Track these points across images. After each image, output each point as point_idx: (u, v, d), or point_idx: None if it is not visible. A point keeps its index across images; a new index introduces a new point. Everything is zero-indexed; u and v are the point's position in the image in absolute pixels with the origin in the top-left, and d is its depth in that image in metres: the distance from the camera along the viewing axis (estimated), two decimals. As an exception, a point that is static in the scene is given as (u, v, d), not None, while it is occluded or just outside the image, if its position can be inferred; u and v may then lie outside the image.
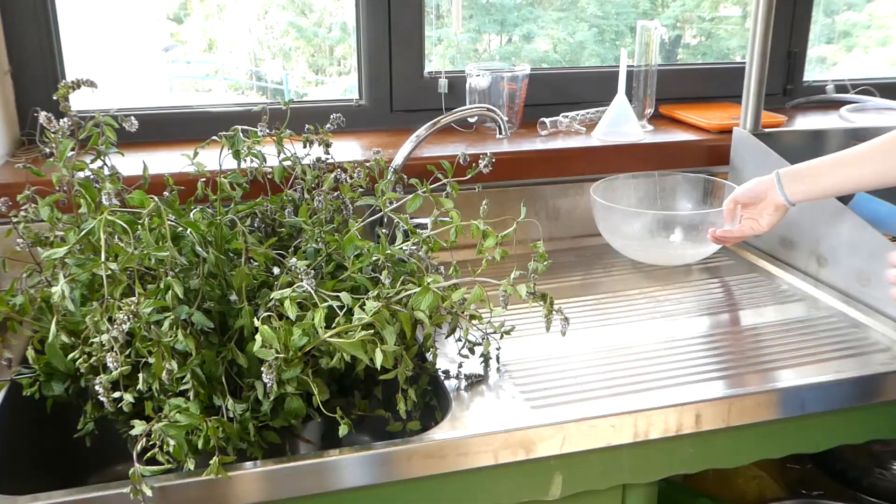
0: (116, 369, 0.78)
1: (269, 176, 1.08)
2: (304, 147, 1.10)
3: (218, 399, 0.83)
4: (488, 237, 0.94)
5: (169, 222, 0.84)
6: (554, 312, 0.90)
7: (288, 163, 1.09)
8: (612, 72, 1.55)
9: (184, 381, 0.81)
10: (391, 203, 1.03)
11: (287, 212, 1.06)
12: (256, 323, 0.83)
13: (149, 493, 0.76)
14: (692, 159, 1.52)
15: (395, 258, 1.02)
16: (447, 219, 0.99)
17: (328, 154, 1.12)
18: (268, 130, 1.05)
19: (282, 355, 0.81)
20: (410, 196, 1.00)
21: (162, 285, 0.83)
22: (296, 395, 0.84)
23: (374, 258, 0.94)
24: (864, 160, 1.10)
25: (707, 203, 1.43)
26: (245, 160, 1.06)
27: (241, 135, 1.03)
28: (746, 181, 1.22)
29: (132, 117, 0.92)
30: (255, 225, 1.05)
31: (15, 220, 0.95)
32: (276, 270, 0.90)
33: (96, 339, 0.80)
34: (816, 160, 1.16)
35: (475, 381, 0.98)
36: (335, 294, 0.85)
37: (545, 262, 0.92)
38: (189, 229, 0.88)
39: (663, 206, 1.46)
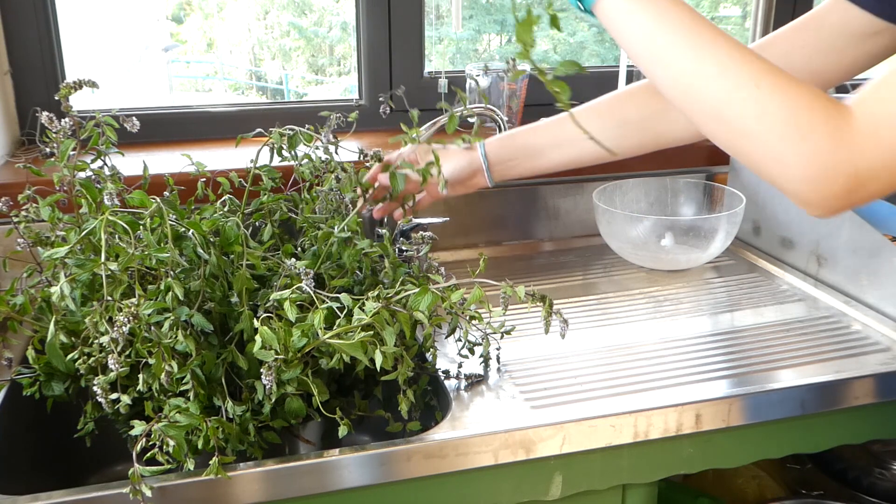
0: (115, 371, 0.78)
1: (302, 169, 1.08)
2: (362, 158, 1.10)
3: (218, 400, 0.83)
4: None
5: (170, 223, 0.84)
6: (553, 314, 0.90)
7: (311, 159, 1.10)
8: (612, 72, 1.55)
9: (184, 381, 0.81)
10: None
11: (300, 207, 1.07)
12: (256, 324, 0.83)
13: (148, 493, 0.76)
14: (692, 159, 1.52)
15: (397, 259, 1.02)
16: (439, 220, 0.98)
17: (332, 154, 1.12)
18: (332, 137, 1.05)
19: (281, 356, 0.81)
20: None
21: (163, 286, 0.83)
22: (296, 396, 0.84)
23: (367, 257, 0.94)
24: (577, 141, 1.01)
25: (707, 207, 1.44)
26: (286, 159, 1.06)
27: (299, 136, 1.03)
28: (749, 180, 1.21)
29: (133, 117, 0.92)
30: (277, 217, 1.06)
31: (16, 219, 0.95)
32: (289, 262, 0.89)
33: (96, 340, 0.80)
34: (525, 135, 1.08)
35: (475, 381, 0.98)
36: (335, 295, 0.85)
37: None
38: (191, 230, 0.88)
39: (666, 210, 1.46)
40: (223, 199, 1.04)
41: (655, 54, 0.73)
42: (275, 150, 1.03)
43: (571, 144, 1.06)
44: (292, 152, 1.03)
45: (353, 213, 0.96)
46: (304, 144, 1.03)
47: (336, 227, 0.95)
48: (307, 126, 1.11)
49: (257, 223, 1.07)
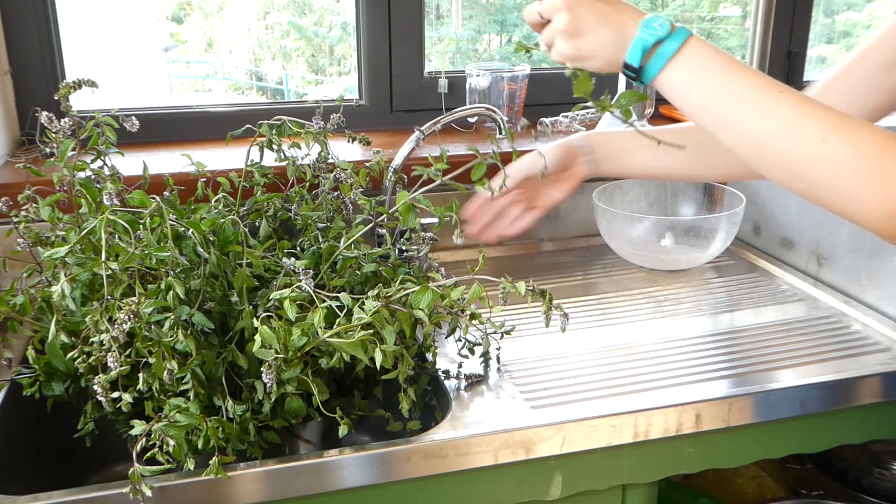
0: (116, 369, 0.78)
1: (303, 168, 1.09)
2: (350, 142, 1.11)
3: (218, 399, 0.83)
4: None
5: (170, 222, 0.84)
6: (553, 309, 0.90)
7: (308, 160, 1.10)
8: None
9: (184, 381, 0.81)
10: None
11: (295, 208, 1.07)
12: (256, 323, 0.83)
13: (148, 493, 0.76)
14: (692, 159, 1.52)
15: (397, 259, 1.02)
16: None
17: (329, 154, 1.12)
18: (322, 124, 1.04)
19: (281, 355, 0.81)
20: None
21: (163, 285, 0.83)
22: (296, 396, 0.84)
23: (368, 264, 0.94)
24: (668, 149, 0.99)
25: (707, 207, 1.44)
26: (274, 152, 1.06)
27: (287, 124, 1.03)
28: (743, 182, 1.19)
29: (133, 117, 0.92)
30: (272, 213, 1.06)
31: (16, 220, 0.95)
32: (285, 261, 0.90)
33: (96, 339, 0.80)
34: (619, 133, 1.07)
35: (475, 381, 0.98)
36: (335, 294, 0.85)
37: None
38: (191, 229, 0.88)
39: (666, 210, 1.46)
40: (217, 197, 1.04)
41: (719, 120, 0.74)
42: (264, 147, 1.03)
43: (662, 151, 1.05)
44: (279, 143, 1.03)
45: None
46: (293, 137, 1.03)
47: (342, 242, 0.95)
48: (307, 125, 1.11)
49: (256, 223, 1.07)
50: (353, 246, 0.95)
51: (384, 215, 1.00)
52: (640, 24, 0.75)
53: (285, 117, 1.04)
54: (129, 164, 1.06)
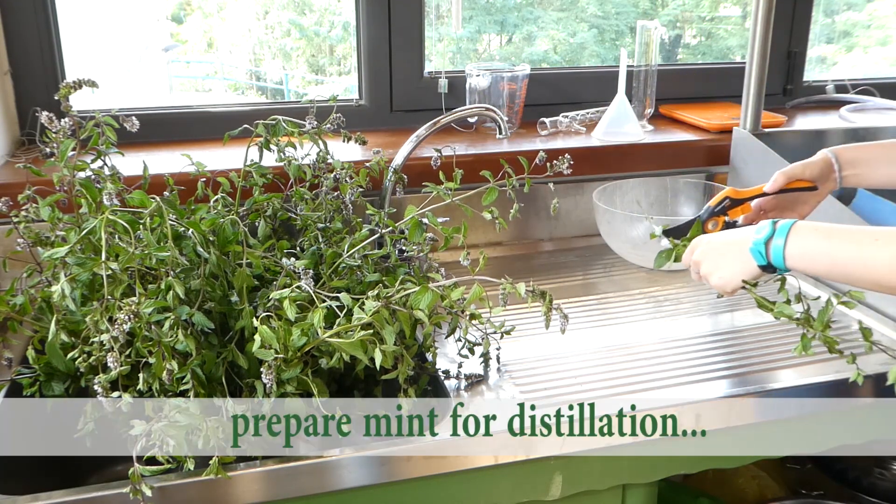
0: (116, 369, 0.78)
1: (302, 168, 1.09)
2: (345, 142, 1.10)
3: (218, 399, 0.83)
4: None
5: (170, 222, 0.84)
6: (553, 310, 0.90)
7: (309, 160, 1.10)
8: (612, 72, 1.55)
9: (184, 381, 0.81)
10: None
11: (299, 209, 1.07)
12: (256, 323, 0.83)
13: (148, 493, 0.76)
14: (692, 159, 1.52)
15: (397, 259, 1.02)
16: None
17: (329, 154, 1.12)
18: (316, 123, 1.05)
19: (281, 355, 0.81)
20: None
21: (163, 285, 0.83)
22: (296, 395, 0.84)
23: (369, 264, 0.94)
24: None
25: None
26: (272, 152, 1.06)
27: (282, 123, 1.03)
28: (748, 180, 1.20)
29: (133, 117, 0.92)
30: (271, 213, 1.06)
31: (16, 220, 0.95)
32: (285, 261, 0.90)
33: (96, 339, 0.80)
34: (870, 146, 1.11)
35: (475, 381, 0.98)
36: (335, 294, 0.85)
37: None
38: (191, 229, 0.88)
39: (666, 210, 1.46)
40: (216, 198, 1.04)
41: (839, 270, 0.85)
42: (262, 147, 1.03)
43: None
44: (278, 144, 1.03)
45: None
46: (290, 137, 1.03)
47: (346, 248, 0.95)
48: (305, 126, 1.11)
49: (255, 223, 1.07)
50: (355, 254, 0.95)
51: (391, 227, 1.00)
52: (752, 238, 0.90)
53: (280, 117, 1.04)
54: (129, 164, 1.06)
